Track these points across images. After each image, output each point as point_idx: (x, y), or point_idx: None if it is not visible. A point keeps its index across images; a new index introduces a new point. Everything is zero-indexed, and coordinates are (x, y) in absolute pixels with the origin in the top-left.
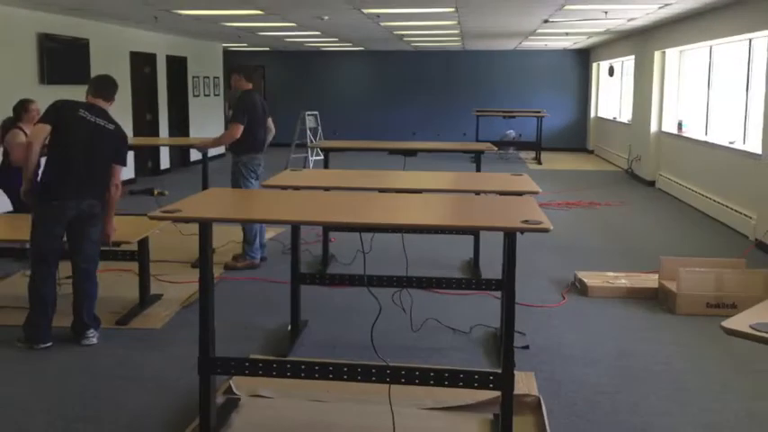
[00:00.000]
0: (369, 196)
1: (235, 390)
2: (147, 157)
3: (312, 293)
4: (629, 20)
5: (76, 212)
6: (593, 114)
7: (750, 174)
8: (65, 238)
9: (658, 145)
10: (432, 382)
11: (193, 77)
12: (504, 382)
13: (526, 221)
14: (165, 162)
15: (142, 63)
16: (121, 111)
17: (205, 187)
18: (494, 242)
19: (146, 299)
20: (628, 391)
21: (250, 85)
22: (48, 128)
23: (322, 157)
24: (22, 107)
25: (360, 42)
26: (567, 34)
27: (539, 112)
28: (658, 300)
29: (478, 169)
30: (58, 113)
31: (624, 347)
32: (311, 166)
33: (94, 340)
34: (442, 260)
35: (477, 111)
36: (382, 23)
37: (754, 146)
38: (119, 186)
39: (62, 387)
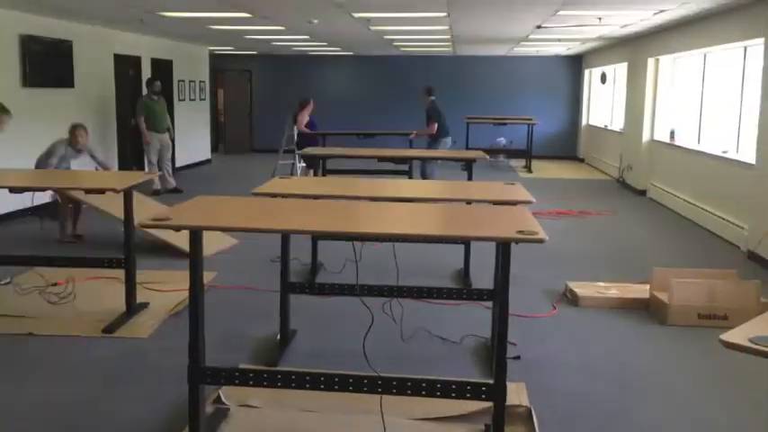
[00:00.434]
0: (359, 205)
1: (224, 400)
2: (131, 162)
3: (301, 303)
4: (622, 26)
5: None
6: (584, 122)
7: (743, 184)
8: None
9: (650, 154)
10: (424, 392)
11: (179, 81)
12: (496, 392)
13: (521, 232)
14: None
15: (127, 66)
16: (106, 115)
17: None
18: (483, 251)
19: (132, 307)
20: (618, 402)
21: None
22: None
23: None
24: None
25: (349, 47)
26: (559, 40)
27: (529, 119)
28: (649, 310)
29: (470, 178)
30: None
31: (615, 358)
32: (299, 173)
33: None
34: (431, 269)
35: (468, 118)
36: (372, 28)
37: (748, 155)
38: None
39: (46, 397)
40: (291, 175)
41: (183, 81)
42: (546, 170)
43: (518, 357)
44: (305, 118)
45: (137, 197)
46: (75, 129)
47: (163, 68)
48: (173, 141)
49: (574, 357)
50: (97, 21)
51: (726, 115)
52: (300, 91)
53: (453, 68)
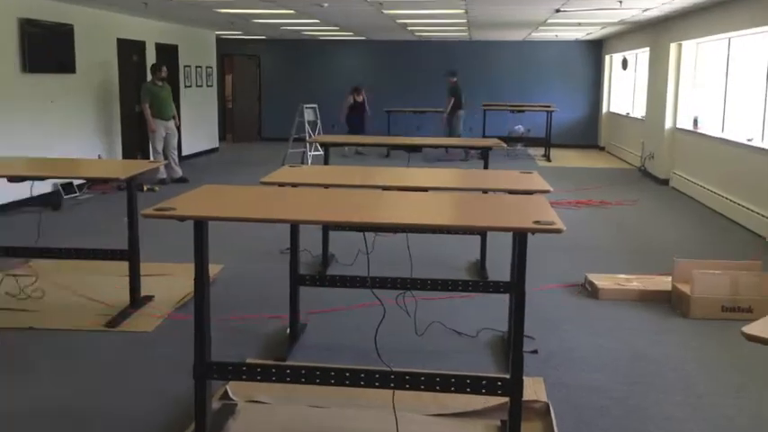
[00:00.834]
0: (371, 194)
1: (231, 395)
2: (136, 150)
3: (312, 295)
4: (644, 10)
5: None
6: (604, 109)
7: None
8: None
9: (673, 142)
10: (438, 387)
11: (185, 67)
12: (512, 387)
13: (537, 222)
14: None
15: (130, 51)
16: (109, 101)
17: None
18: (501, 243)
19: (137, 300)
20: (638, 397)
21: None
22: None
23: (321, 152)
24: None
25: (362, 32)
26: (579, 25)
27: (548, 106)
28: (671, 303)
29: (486, 166)
30: None
31: (635, 352)
32: (310, 161)
33: None
34: (447, 261)
35: (485, 105)
36: (385, 11)
37: None
38: None
39: (51, 392)
40: (302, 163)
41: (190, 67)
42: (565, 159)
43: (536, 351)
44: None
45: None
46: None
47: (168, 53)
48: (178, 129)
49: (593, 351)
50: (99, 4)
51: (751, 102)
52: (311, 76)
53: (469, 54)
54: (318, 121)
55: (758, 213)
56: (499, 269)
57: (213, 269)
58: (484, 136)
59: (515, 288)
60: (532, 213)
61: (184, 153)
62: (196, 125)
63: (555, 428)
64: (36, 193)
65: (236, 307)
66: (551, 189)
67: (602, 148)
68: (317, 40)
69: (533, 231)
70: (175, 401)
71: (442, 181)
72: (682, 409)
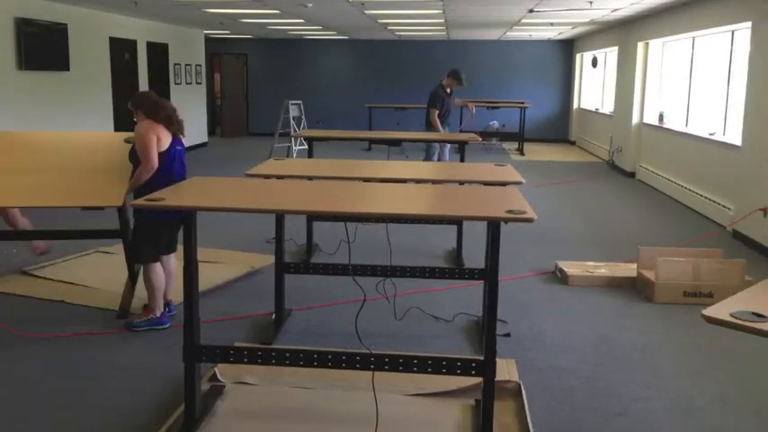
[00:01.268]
0: (353, 186)
1: (220, 377)
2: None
3: (297, 282)
4: (613, 10)
5: None
6: (575, 105)
7: (729, 165)
8: None
9: (639, 136)
10: (415, 369)
11: (175, 65)
12: (485, 368)
13: (510, 211)
14: None
15: (122, 49)
16: (101, 98)
17: None
18: (477, 232)
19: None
20: (606, 377)
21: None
22: None
23: (306, 147)
24: None
25: (344, 31)
26: (551, 24)
27: (522, 103)
28: (637, 288)
29: (462, 160)
30: None
31: (603, 335)
32: (295, 155)
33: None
34: (425, 250)
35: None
36: (366, 11)
37: (734, 137)
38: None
39: (49, 374)
40: (288, 156)
41: (179, 65)
42: (538, 153)
43: (508, 335)
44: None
45: None
46: None
47: (159, 52)
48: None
49: (563, 334)
50: (92, 3)
51: (713, 98)
52: (297, 74)
53: (448, 53)
54: (303, 117)
55: (719, 204)
56: (475, 257)
57: (266, 260)
58: (461, 131)
59: (489, 275)
60: (505, 203)
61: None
62: (186, 120)
63: (526, 407)
64: None
65: (224, 294)
66: (524, 180)
67: (573, 143)
68: (302, 40)
69: (506, 220)
70: (167, 383)
71: (421, 173)
72: (646, 390)
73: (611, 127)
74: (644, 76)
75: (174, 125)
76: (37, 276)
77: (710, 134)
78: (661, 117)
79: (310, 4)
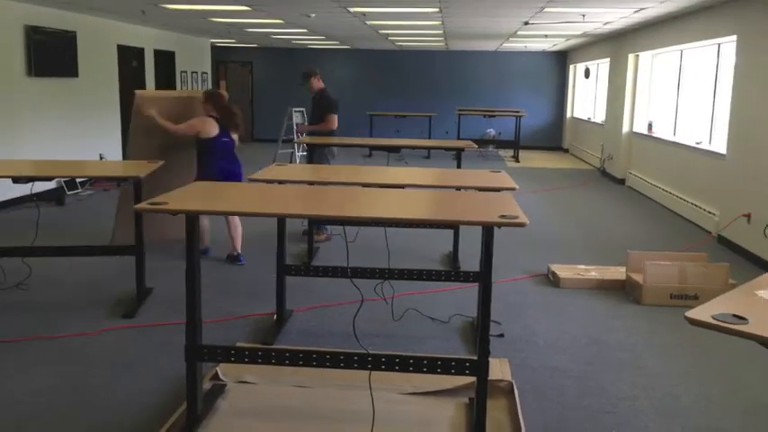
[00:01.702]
0: (353, 191)
1: (221, 376)
2: None
3: (297, 284)
4: (605, 23)
5: None
6: (568, 114)
7: (715, 173)
8: None
9: (629, 144)
10: (411, 368)
11: (181, 72)
12: (479, 368)
13: (503, 216)
14: None
15: (130, 57)
16: (109, 105)
17: None
18: (472, 236)
19: (142, 291)
20: (595, 377)
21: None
22: None
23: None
24: None
25: (346, 41)
26: (546, 36)
27: (518, 111)
28: (626, 291)
29: (459, 166)
30: None
31: (593, 336)
32: (298, 161)
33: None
34: (422, 253)
35: (459, 110)
36: (368, 22)
37: (720, 146)
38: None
39: (52, 373)
40: (291, 162)
41: (186, 72)
42: (532, 160)
43: (502, 335)
44: None
45: None
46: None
47: (166, 59)
48: None
49: (555, 335)
50: (100, 12)
51: (700, 108)
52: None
53: (446, 63)
54: (305, 124)
55: (706, 210)
56: (470, 260)
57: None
58: (459, 138)
59: (482, 277)
60: (499, 208)
61: None
62: None
63: (518, 405)
64: (35, 190)
65: (227, 294)
66: (517, 187)
67: (566, 150)
68: (305, 49)
69: (499, 225)
70: (169, 382)
71: (419, 179)
72: (633, 389)
73: (602, 135)
74: (634, 86)
75: (227, 122)
76: None
77: (697, 143)
78: (650, 126)
79: (313, 15)
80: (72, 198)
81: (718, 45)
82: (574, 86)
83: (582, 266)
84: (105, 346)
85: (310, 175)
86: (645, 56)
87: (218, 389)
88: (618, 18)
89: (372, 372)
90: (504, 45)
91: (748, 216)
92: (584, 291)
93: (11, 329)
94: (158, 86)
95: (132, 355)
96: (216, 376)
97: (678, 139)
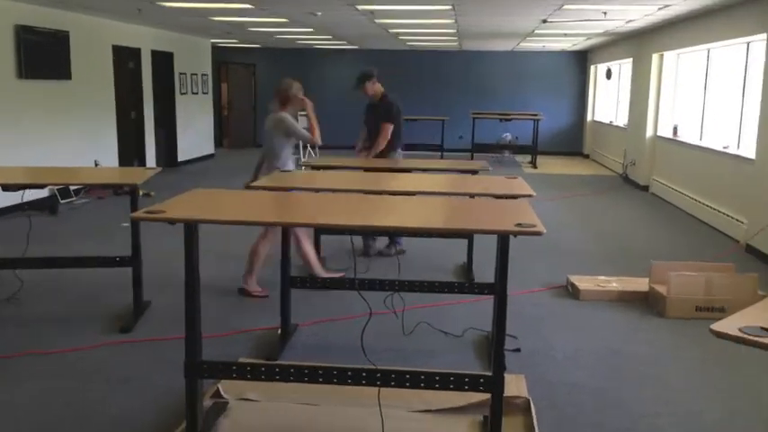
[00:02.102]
0: (361, 198)
1: (223, 393)
2: (132, 157)
3: (304, 297)
4: (627, 21)
5: None
6: (589, 118)
7: (743, 179)
8: None
9: (653, 149)
10: (422, 384)
11: (180, 74)
12: (494, 384)
13: (519, 225)
14: (151, 161)
15: (126, 58)
16: (104, 108)
17: None
18: (487, 245)
19: (140, 304)
20: (616, 393)
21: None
22: None
23: (315, 156)
24: None
25: (354, 40)
26: (565, 35)
27: (535, 115)
28: (649, 303)
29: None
30: None
31: (614, 350)
32: (303, 168)
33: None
34: (435, 263)
35: (474, 113)
36: (377, 20)
37: (748, 151)
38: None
39: (49, 388)
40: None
41: (185, 74)
42: (550, 166)
43: (518, 350)
44: None
45: None
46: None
47: (164, 60)
48: None
49: (574, 349)
50: (94, 11)
51: (728, 111)
52: (306, 85)
53: (460, 64)
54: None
55: (733, 218)
56: (486, 271)
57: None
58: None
59: (498, 289)
60: (515, 217)
61: (180, 159)
62: (192, 132)
63: (535, 423)
64: (27, 198)
65: (229, 308)
66: (534, 193)
67: (587, 156)
68: (311, 49)
69: (515, 234)
70: (169, 398)
71: (431, 186)
72: (655, 406)
73: (624, 140)
74: (658, 88)
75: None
76: None
77: (724, 147)
78: (675, 130)
79: (320, 13)
80: (65, 207)
81: (747, 44)
82: (595, 88)
83: (603, 277)
84: (101, 362)
85: (314, 182)
86: (669, 55)
87: (220, 406)
88: (641, 16)
89: (381, 388)
90: (521, 45)
91: None
92: (605, 303)
93: (3, 344)
94: (156, 89)
95: (129, 370)
96: (217, 393)
97: (704, 143)
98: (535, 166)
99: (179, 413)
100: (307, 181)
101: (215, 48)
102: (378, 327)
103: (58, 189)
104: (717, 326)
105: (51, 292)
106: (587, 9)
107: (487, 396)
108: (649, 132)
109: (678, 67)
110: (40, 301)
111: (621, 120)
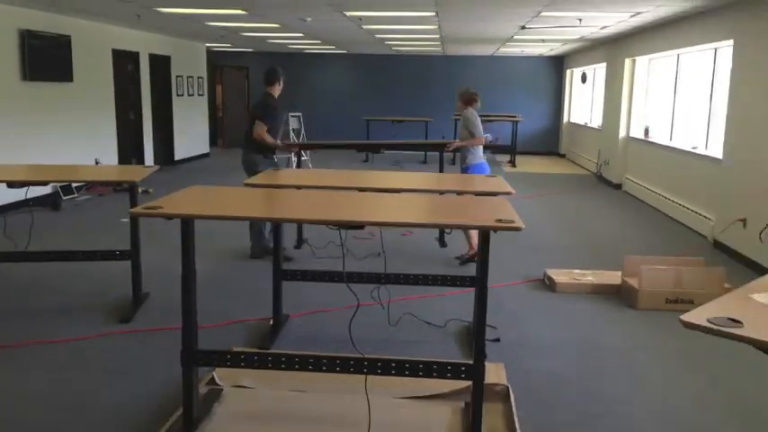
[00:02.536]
0: (349, 195)
1: (218, 380)
2: (131, 156)
3: (294, 289)
4: (601, 28)
5: None
6: (565, 119)
7: (711, 177)
8: None
9: (626, 149)
10: (407, 372)
11: (177, 77)
12: (474, 372)
13: (499, 220)
14: (149, 160)
15: (125, 61)
16: (104, 109)
17: None
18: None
19: (139, 296)
20: (590, 381)
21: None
22: None
23: (306, 158)
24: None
25: (342, 45)
26: (543, 41)
27: (514, 116)
28: (621, 295)
29: (441, 167)
30: None
31: (589, 340)
32: (294, 165)
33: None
34: (419, 256)
35: (456, 115)
36: (364, 26)
37: (716, 151)
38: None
39: (48, 378)
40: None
41: (182, 77)
42: (529, 165)
43: (498, 340)
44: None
45: None
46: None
47: (161, 64)
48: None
49: (551, 340)
50: (95, 16)
51: (696, 113)
52: (296, 87)
53: (443, 67)
54: (302, 129)
55: (702, 215)
56: (467, 265)
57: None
58: None
59: (479, 282)
60: (495, 213)
61: (177, 158)
62: (188, 132)
63: (514, 409)
64: (30, 195)
65: (224, 299)
66: (513, 191)
67: (563, 156)
68: (301, 54)
69: (495, 229)
70: (166, 386)
71: (415, 183)
72: (629, 391)
73: (599, 140)
74: (631, 91)
75: None
76: None
77: (693, 148)
78: (647, 131)
79: (309, 19)
80: (68, 203)
81: (715, 50)
82: (571, 91)
83: (578, 271)
84: (101, 351)
85: (307, 180)
86: (641, 60)
87: (215, 393)
88: (615, 22)
89: (368, 376)
90: (500, 49)
91: (744, 220)
92: (580, 295)
93: (6, 335)
94: (153, 91)
95: (128, 359)
96: (212, 381)
97: (674, 143)
98: (514, 165)
99: (176, 400)
100: (299, 179)
101: (210, 52)
102: (365, 318)
103: (60, 186)
104: (686, 317)
105: (54, 285)
106: (563, 16)
107: (469, 383)
108: (622, 133)
109: (650, 71)
110: (42, 293)
111: (596, 121)
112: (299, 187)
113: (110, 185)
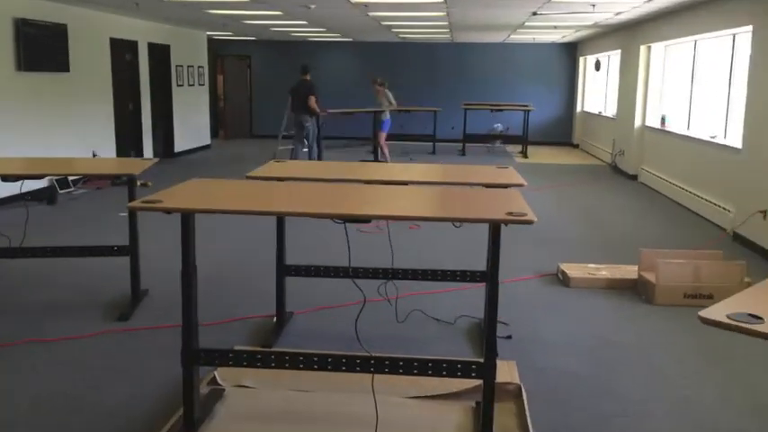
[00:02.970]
0: (354, 188)
1: (219, 380)
2: (129, 148)
3: (298, 285)
4: (616, 13)
5: None
6: (578, 109)
7: (730, 168)
8: None
9: (641, 139)
10: (415, 371)
11: (177, 66)
12: (486, 370)
13: (511, 213)
14: (148, 152)
15: (123, 50)
16: (102, 100)
17: None
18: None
19: (137, 293)
20: (606, 379)
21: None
22: None
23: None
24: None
25: (347, 33)
26: (555, 27)
27: (526, 105)
28: (637, 290)
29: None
30: None
31: (604, 337)
32: (299, 157)
33: None
34: (428, 251)
35: (465, 104)
36: (370, 13)
37: (735, 140)
38: None
39: (43, 377)
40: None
41: (182, 66)
42: (541, 155)
43: (510, 337)
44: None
45: None
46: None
47: (160, 53)
48: None
49: (564, 336)
50: (92, 4)
51: (715, 101)
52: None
53: (452, 55)
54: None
55: (720, 207)
56: (478, 260)
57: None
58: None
59: (490, 277)
60: (506, 205)
61: (177, 149)
62: (188, 123)
63: (526, 409)
64: (26, 189)
65: (225, 297)
66: (525, 183)
67: (576, 146)
68: (305, 42)
69: (506, 222)
70: (166, 386)
71: (423, 175)
72: (645, 391)
73: (613, 130)
74: (646, 79)
75: None
76: None
77: (711, 137)
78: (663, 120)
79: (313, 6)
80: (64, 197)
81: (734, 35)
82: (584, 79)
83: (592, 265)
84: (99, 350)
85: (311, 172)
86: (657, 47)
87: (216, 393)
88: (629, 8)
89: (375, 375)
90: (511, 37)
91: (764, 212)
92: (595, 290)
93: (2, 332)
94: (153, 81)
95: (127, 358)
96: (214, 380)
97: (692, 133)
98: (526, 156)
99: (176, 400)
100: (303, 171)
101: (211, 40)
102: (371, 315)
103: (56, 179)
104: (705, 312)
105: (50, 281)
106: (577, 1)
107: (479, 382)
108: (638, 123)
109: (666, 58)
110: (38, 289)
111: (610, 110)
112: (312, 180)
113: (107, 179)
